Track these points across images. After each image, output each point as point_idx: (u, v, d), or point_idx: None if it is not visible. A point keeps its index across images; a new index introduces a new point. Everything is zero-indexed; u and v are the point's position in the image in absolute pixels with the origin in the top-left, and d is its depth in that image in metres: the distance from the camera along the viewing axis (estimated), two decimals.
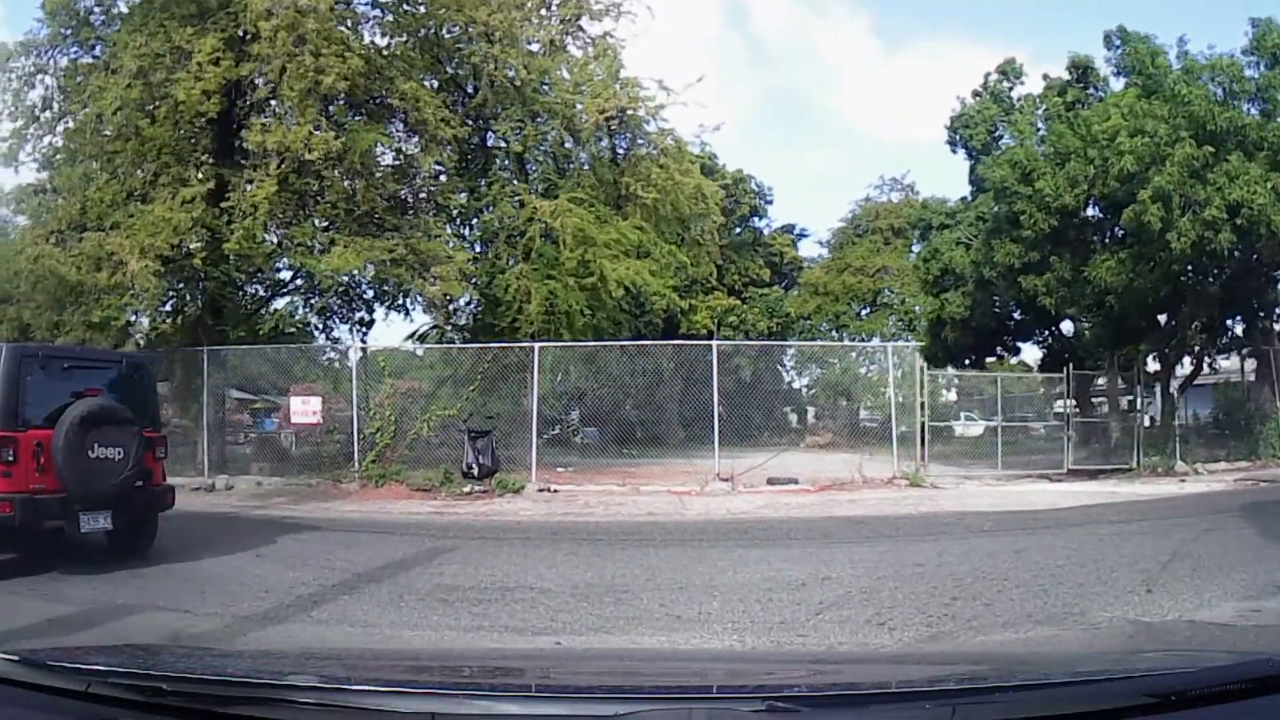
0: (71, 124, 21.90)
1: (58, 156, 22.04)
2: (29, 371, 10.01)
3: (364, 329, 25.42)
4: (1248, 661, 2.79)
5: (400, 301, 24.48)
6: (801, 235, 54.38)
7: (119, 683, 2.52)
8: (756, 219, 51.55)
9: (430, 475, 19.28)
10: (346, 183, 20.92)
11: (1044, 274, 21.70)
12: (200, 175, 20.10)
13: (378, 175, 21.46)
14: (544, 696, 2.78)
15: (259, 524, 14.24)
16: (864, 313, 47.22)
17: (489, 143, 24.94)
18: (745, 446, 21.53)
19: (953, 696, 2.52)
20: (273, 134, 18.98)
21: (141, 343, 21.60)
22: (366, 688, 2.61)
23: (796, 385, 39.73)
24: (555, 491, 18.52)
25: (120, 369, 11.58)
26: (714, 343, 22.86)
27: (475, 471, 19.24)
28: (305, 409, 19.87)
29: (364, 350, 21.81)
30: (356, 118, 21.09)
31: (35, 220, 21.54)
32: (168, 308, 22.29)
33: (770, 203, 52.09)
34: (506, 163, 24.97)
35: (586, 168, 25.16)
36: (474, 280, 21.99)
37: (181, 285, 21.26)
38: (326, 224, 21.72)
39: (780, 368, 36.43)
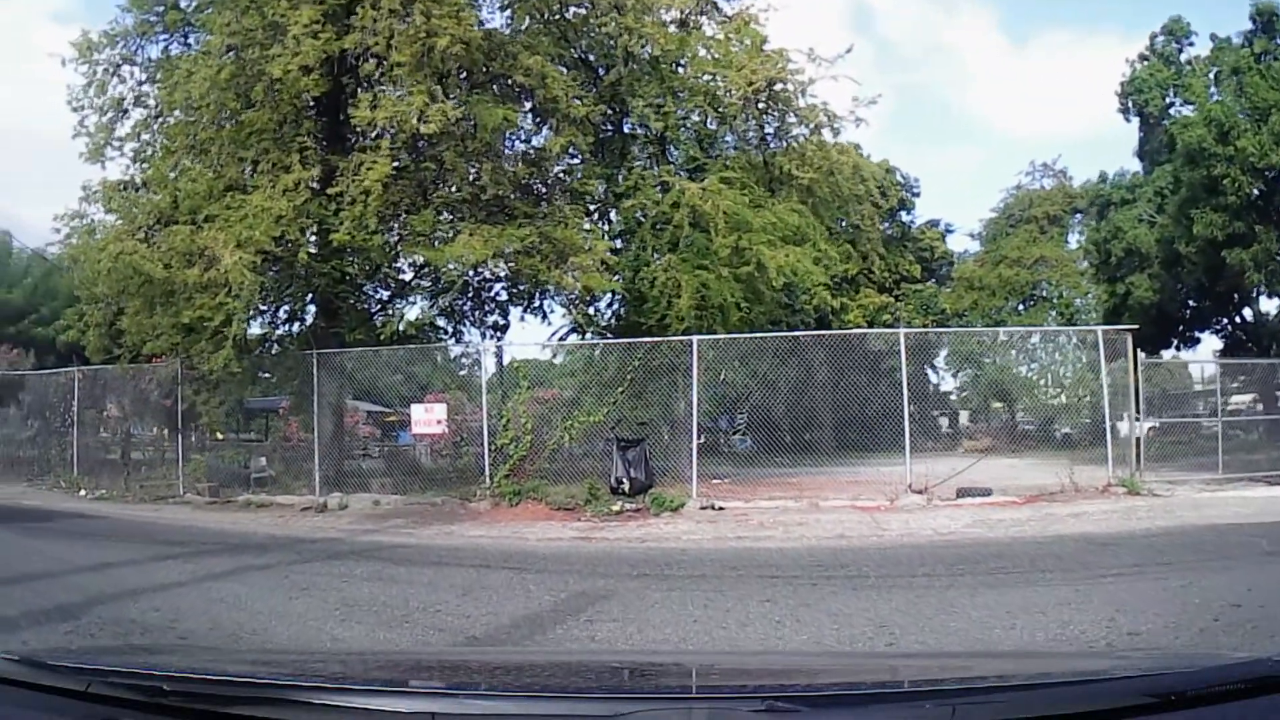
0: (160, 114, 21.37)
1: (147, 151, 21.51)
2: None
3: (498, 333, 24.55)
4: (1248, 662, 2.83)
5: (536, 303, 23.75)
6: (948, 230, 52.85)
7: (119, 683, 2.59)
8: (904, 213, 50.04)
9: (573, 492, 17.82)
10: (470, 166, 19.76)
11: (1250, 246, 18.79)
12: (303, 161, 18.92)
13: (505, 158, 20.30)
14: (544, 696, 2.79)
15: (358, 553, 13.19)
16: (1020, 308, 43.87)
17: (625, 128, 23.87)
18: (895, 453, 19.43)
19: (953, 696, 2.54)
20: (383, 108, 17.95)
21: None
22: (366, 688, 2.70)
23: (946, 386, 36.63)
24: (720, 509, 16.96)
25: None
26: (900, 330, 20.52)
27: (626, 487, 17.92)
28: (428, 418, 19.02)
29: (498, 351, 19.89)
30: (476, 93, 19.75)
31: (124, 218, 20.66)
32: (278, 310, 21.65)
33: (918, 195, 51.09)
34: (646, 147, 23.65)
35: (733, 149, 23.88)
36: (617, 274, 20.80)
37: (289, 285, 20.33)
38: (449, 213, 20.65)
39: (931, 368, 33.64)
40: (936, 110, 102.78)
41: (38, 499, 22.40)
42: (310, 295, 20.57)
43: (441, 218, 20.26)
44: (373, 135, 18.85)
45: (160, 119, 21.43)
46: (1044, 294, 45.05)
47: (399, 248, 20.42)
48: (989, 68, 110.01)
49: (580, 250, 19.36)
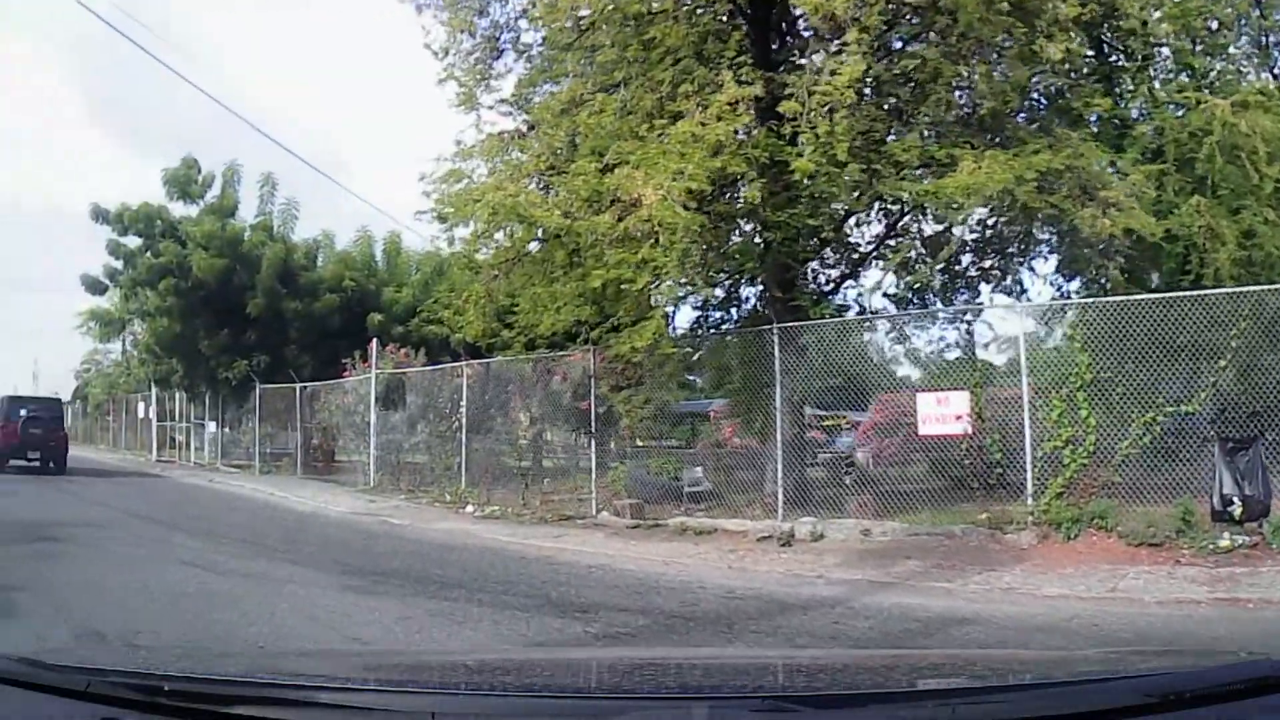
0: (546, 41, 19.20)
1: (527, 92, 19.58)
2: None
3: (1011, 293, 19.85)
4: (1248, 662, 2.95)
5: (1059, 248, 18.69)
6: None
7: (119, 682, 2.66)
8: None
9: (1153, 518, 12.99)
10: (961, 71, 15.81)
11: None
12: (738, 78, 15.59)
13: (999, 66, 16.06)
14: (544, 696, 2.88)
15: (887, 633, 9.41)
16: None
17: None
18: None
19: (953, 696, 2.66)
20: None
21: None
22: (367, 687, 2.81)
23: None
24: None
25: None
26: None
27: (1236, 510, 12.71)
28: (942, 411, 14.98)
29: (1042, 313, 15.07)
30: None
31: (507, 166, 18.30)
32: (714, 277, 16.98)
33: None
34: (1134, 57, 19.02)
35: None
36: None
37: (727, 242, 15.74)
38: (935, 138, 16.46)
39: None
40: None
41: (409, 516, 20.75)
42: (761, 255, 16.71)
43: (922, 144, 16.09)
44: (830, 31, 15.17)
45: (543, 47, 19.47)
46: None
47: (875, 186, 16.19)
48: None
49: (1108, 184, 15.29)
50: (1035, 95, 18.06)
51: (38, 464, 32.49)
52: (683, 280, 15.71)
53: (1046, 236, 18.43)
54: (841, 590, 11.45)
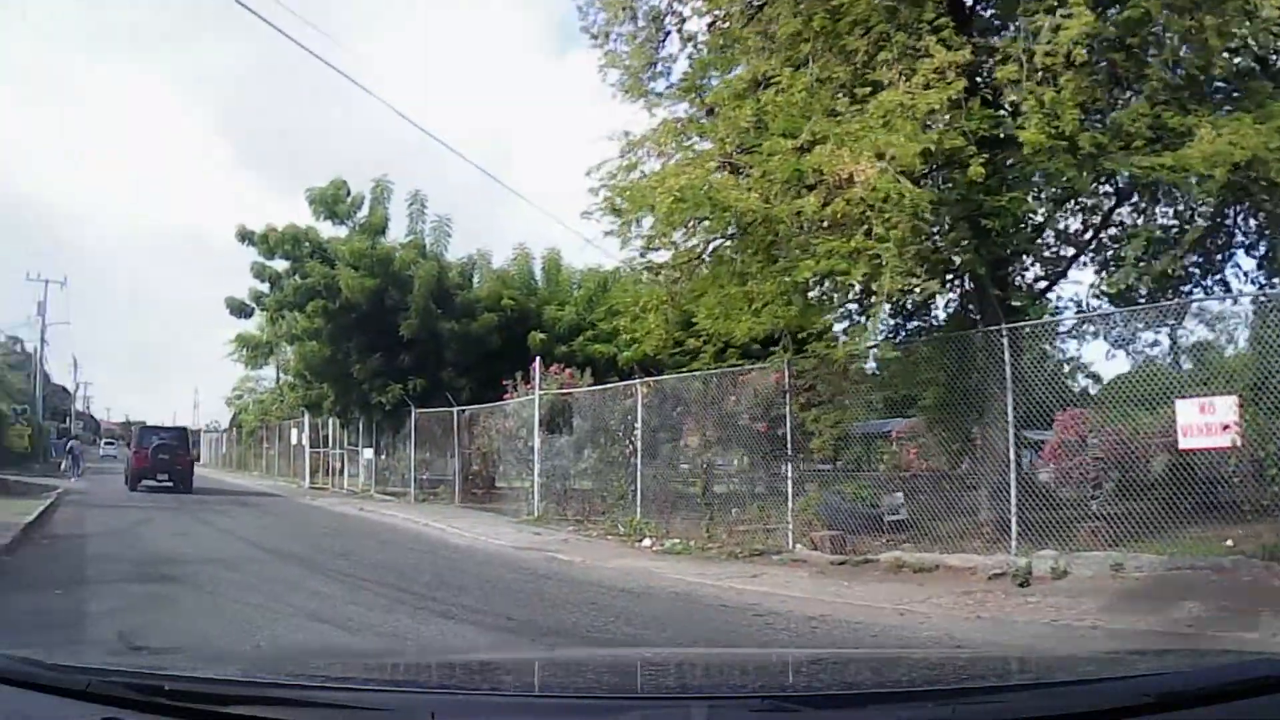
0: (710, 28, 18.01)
1: (701, 78, 18.10)
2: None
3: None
4: (1247, 662, 3.12)
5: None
6: None
7: (119, 682, 2.68)
8: None
9: None
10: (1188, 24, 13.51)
11: None
12: (943, 42, 13.90)
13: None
14: (545, 696, 2.95)
15: None
16: None
17: None
18: None
19: (953, 696, 2.73)
20: None
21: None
22: (367, 688, 2.82)
23: None
24: None
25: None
26: None
27: None
28: (1206, 421, 12.60)
29: None
30: None
31: (684, 156, 16.82)
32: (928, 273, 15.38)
33: None
34: None
35: None
36: None
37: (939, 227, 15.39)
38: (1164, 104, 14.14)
39: None
40: None
41: (579, 550, 19.16)
42: (976, 242, 14.95)
43: (1150, 112, 13.82)
44: None
45: (710, 33, 18.07)
46: None
47: (1102, 161, 14.02)
48: None
49: None
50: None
51: (169, 485, 37.27)
52: (902, 271, 13.71)
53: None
54: (1131, 646, 9.43)
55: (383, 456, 40.71)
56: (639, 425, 21.68)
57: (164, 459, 38.15)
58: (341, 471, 45.16)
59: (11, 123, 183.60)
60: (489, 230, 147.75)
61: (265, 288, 37.84)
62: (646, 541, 19.54)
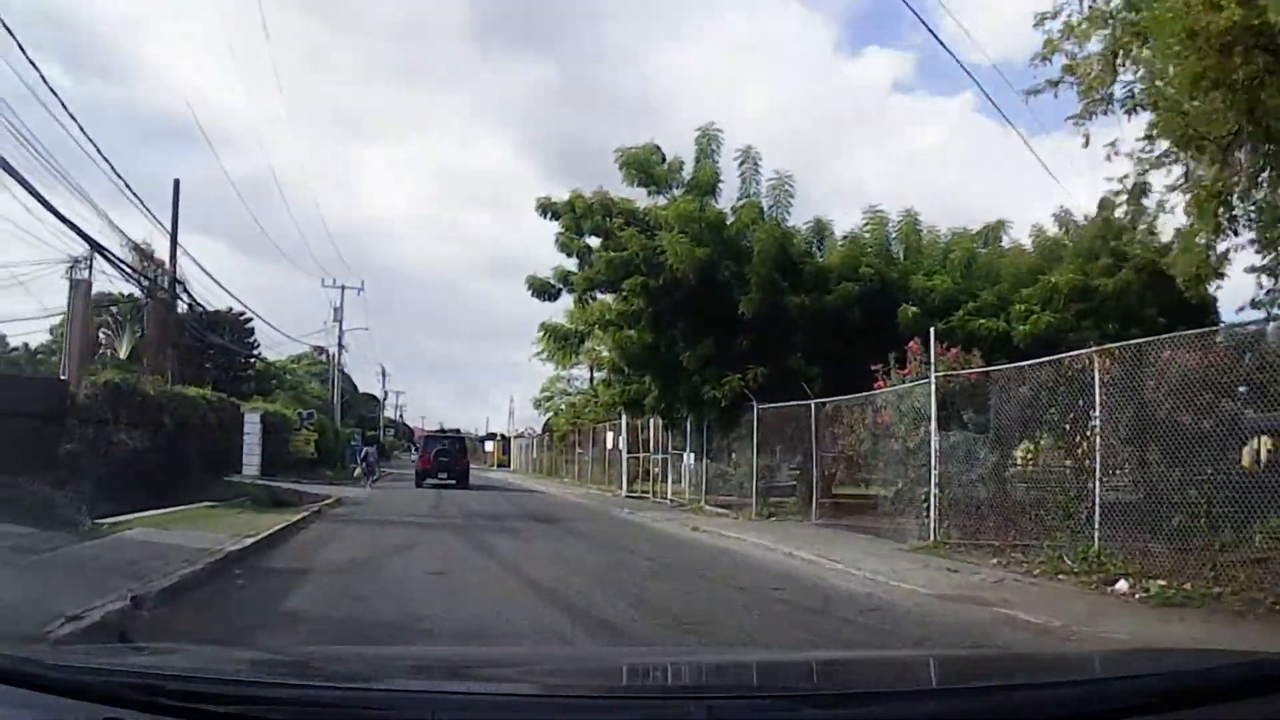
0: None
1: None
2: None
3: None
4: (1248, 662, 3.14)
5: None
6: None
7: (119, 682, 2.72)
8: None
9: None
10: None
11: None
12: None
13: None
14: (544, 696, 3.05)
15: None
16: None
17: None
18: None
19: (953, 696, 2.91)
20: None
21: None
22: (367, 688, 2.93)
23: None
24: None
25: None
26: None
27: None
28: None
29: None
30: None
31: None
32: None
33: None
34: None
35: None
36: None
37: None
38: None
39: None
40: None
41: (1032, 603, 13.17)
42: None
43: None
44: None
45: None
46: None
47: None
48: None
49: None
50: None
51: (450, 483, 47.42)
52: None
53: None
54: None
55: (711, 461, 35.70)
56: (1096, 413, 15.64)
57: (443, 460, 48.93)
58: (663, 478, 41.27)
59: (329, 152, 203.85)
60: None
61: (573, 264, 33.28)
62: (1121, 585, 13.72)
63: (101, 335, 60.03)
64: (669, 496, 38.68)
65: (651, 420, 40.67)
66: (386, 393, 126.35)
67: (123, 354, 53.30)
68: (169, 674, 2.82)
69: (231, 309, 66.15)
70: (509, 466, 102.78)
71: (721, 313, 29.77)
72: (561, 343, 37.63)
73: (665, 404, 34.53)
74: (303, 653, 6.04)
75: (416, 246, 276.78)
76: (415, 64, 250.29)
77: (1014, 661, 4.70)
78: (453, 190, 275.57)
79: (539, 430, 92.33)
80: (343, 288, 75.00)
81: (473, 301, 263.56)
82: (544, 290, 34.64)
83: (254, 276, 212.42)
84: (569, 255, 33.45)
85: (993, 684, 3.07)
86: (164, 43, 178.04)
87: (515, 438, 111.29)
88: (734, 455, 34.22)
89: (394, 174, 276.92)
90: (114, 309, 59.72)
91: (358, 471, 52.56)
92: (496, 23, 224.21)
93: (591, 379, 66.74)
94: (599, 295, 33.64)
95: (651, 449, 43.21)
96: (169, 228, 37.78)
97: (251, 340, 73.71)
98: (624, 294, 31.09)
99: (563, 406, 77.37)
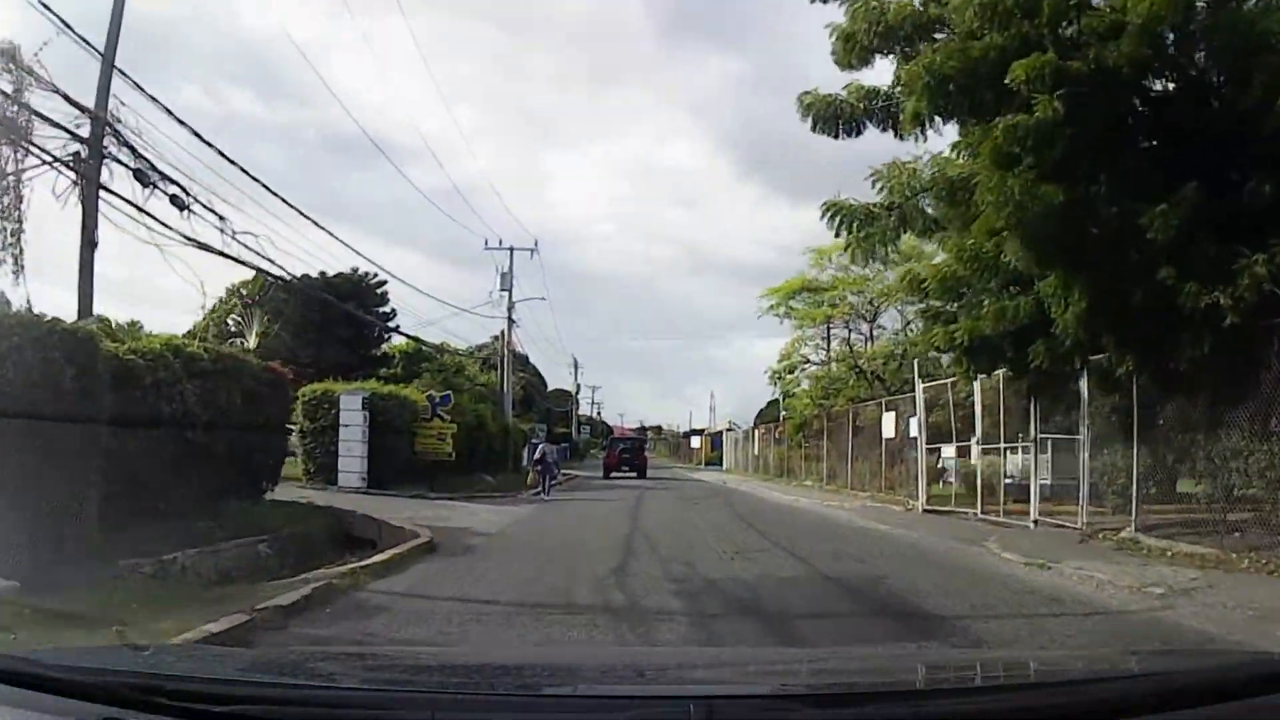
0: None
1: None
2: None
3: None
4: (1249, 661, 3.29)
5: None
6: None
7: (119, 682, 2.70)
8: None
9: None
10: None
11: None
12: None
13: None
14: (544, 696, 3.07)
15: None
16: None
17: None
18: None
19: (953, 696, 2.86)
20: None
21: None
22: (367, 688, 2.99)
23: None
24: None
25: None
26: None
27: None
28: None
29: None
30: None
31: None
32: None
33: None
34: None
35: None
36: None
37: None
38: None
39: None
40: None
41: None
42: None
43: None
44: None
45: None
46: None
47: None
48: None
49: None
50: None
51: (632, 475, 58.78)
52: None
53: None
54: None
55: (1139, 450, 18.99)
56: None
57: (626, 456, 61.40)
58: (993, 488, 25.34)
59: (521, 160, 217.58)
60: None
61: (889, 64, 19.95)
62: None
63: (231, 322, 54.87)
64: (1035, 516, 21.95)
65: (999, 389, 24.02)
66: (579, 385, 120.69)
67: (250, 343, 40.98)
68: (169, 674, 2.87)
69: (357, 269, 57.93)
70: (721, 465, 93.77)
71: (1208, 133, 15.97)
72: (862, 223, 21.65)
73: (1090, 332, 17.70)
74: (303, 653, 6.21)
75: (616, 247, 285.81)
76: (604, 66, 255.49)
77: (1014, 662, 4.69)
78: (647, 189, 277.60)
79: (741, 426, 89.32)
80: (511, 250, 61.53)
81: (669, 301, 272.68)
82: (834, 118, 21.12)
83: (450, 280, 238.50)
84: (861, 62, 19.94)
85: (993, 684, 3.14)
86: (354, 67, 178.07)
87: (725, 431, 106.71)
88: (1107, 444, 20.21)
89: (589, 176, 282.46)
90: (242, 293, 56.36)
91: (531, 477, 41.48)
92: (683, 20, 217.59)
93: (852, 348, 52.86)
94: (940, 124, 18.47)
95: (1003, 433, 24.34)
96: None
97: (387, 311, 63.97)
98: (1009, 102, 15.81)
99: (804, 384, 63.67)
